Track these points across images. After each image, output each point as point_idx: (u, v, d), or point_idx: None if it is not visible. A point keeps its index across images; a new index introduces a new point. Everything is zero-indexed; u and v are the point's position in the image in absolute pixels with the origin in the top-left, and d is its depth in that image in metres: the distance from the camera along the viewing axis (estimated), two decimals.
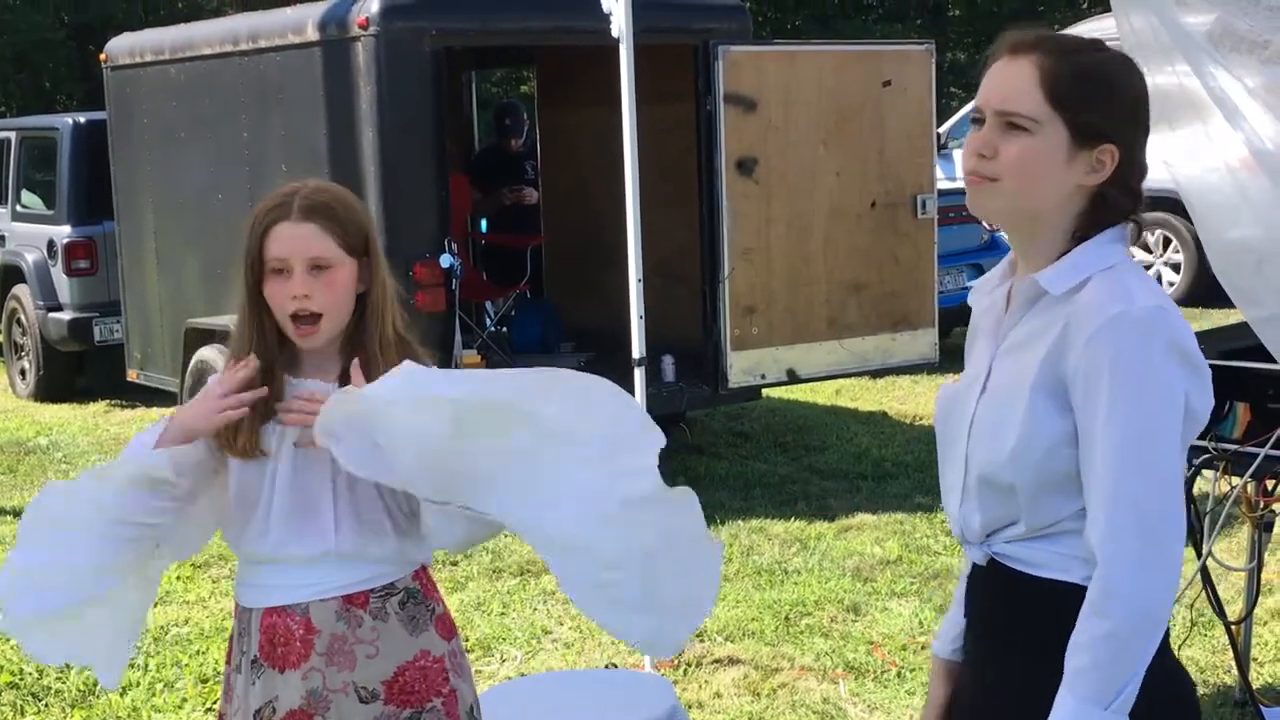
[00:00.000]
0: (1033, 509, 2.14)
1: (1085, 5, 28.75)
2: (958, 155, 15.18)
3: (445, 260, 7.32)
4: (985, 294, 2.30)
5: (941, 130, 14.87)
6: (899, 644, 5.55)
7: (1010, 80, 2.15)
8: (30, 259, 11.16)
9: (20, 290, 11.31)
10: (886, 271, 8.21)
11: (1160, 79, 4.78)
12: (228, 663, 2.85)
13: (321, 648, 2.70)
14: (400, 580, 2.76)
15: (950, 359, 10.69)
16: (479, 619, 6.02)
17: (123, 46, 9.49)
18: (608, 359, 8.79)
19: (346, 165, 7.42)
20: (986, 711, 2.26)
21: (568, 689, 3.92)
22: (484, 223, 10.56)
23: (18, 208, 11.73)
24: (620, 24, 5.24)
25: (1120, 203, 2.16)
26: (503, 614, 6.10)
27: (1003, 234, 11.94)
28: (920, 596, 6.11)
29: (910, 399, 10.12)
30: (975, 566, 2.27)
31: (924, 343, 8.43)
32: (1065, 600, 2.10)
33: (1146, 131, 2.18)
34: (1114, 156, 2.13)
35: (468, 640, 5.79)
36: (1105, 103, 2.12)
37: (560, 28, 7.87)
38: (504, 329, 9.73)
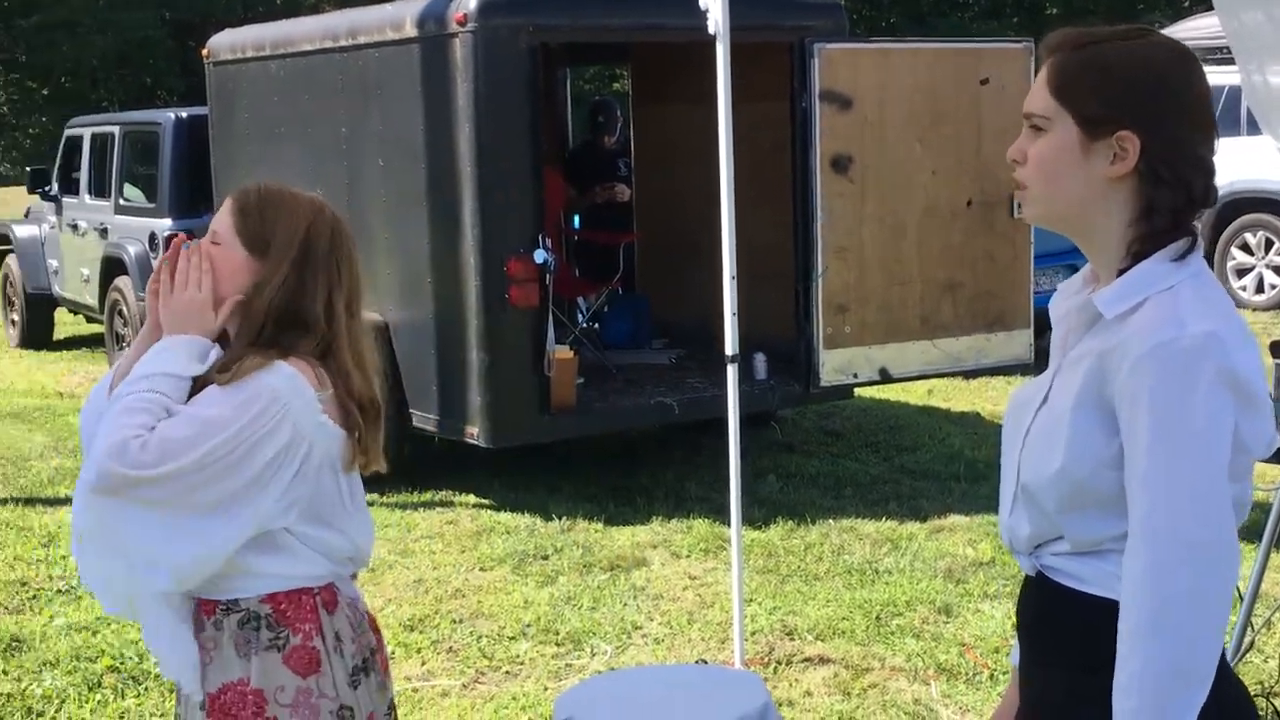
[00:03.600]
0: (1072, 527, 2.12)
1: (1187, 3, 28.31)
2: None
3: (539, 256, 7.35)
4: (1064, 300, 2.25)
5: None
6: (991, 646, 5.50)
7: (1034, 84, 2.16)
8: (132, 251, 11.35)
9: (122, 282, 11.50)
10: (981, 271, 8.14)
11: (1274, 78, 4.71)
12: None
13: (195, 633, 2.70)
14: (251, 602, 2.65)
15: (1046, 359, 10.59)
16: (569, 613, 6.05)
17: (224, 43, 9.62)
18: (699, 356, 8.80)
19: (442, 160, 7.48)
20: None
21: (660, 683, 3.92)
22: (577, 219, 10.59)
23: (120, 201, 11.93)
24: (717, 21, 5.23)
25: (1171, 204, 2.07)
26: (593, 609, 6.12)
27: None
28: (1013, 599, 6.05)
29: (1004, 400, 10.02)
30: (1026, 577, 2.26)
31: (1019, 343, 8.35)
32: (1108, 617, 2.07)
33: (1182, 112, 2.07)
34: (1135, 141, 2.05)
35: (558, 634, 5.82)
36: (1107, 87, 2.07)
37: (656, 24, 7.88)
38: (596, 325, 9.76)
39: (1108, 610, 2.07)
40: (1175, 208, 2.07)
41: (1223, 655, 2.13)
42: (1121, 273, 2.10)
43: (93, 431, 2.59)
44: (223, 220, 2.71)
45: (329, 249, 2.71)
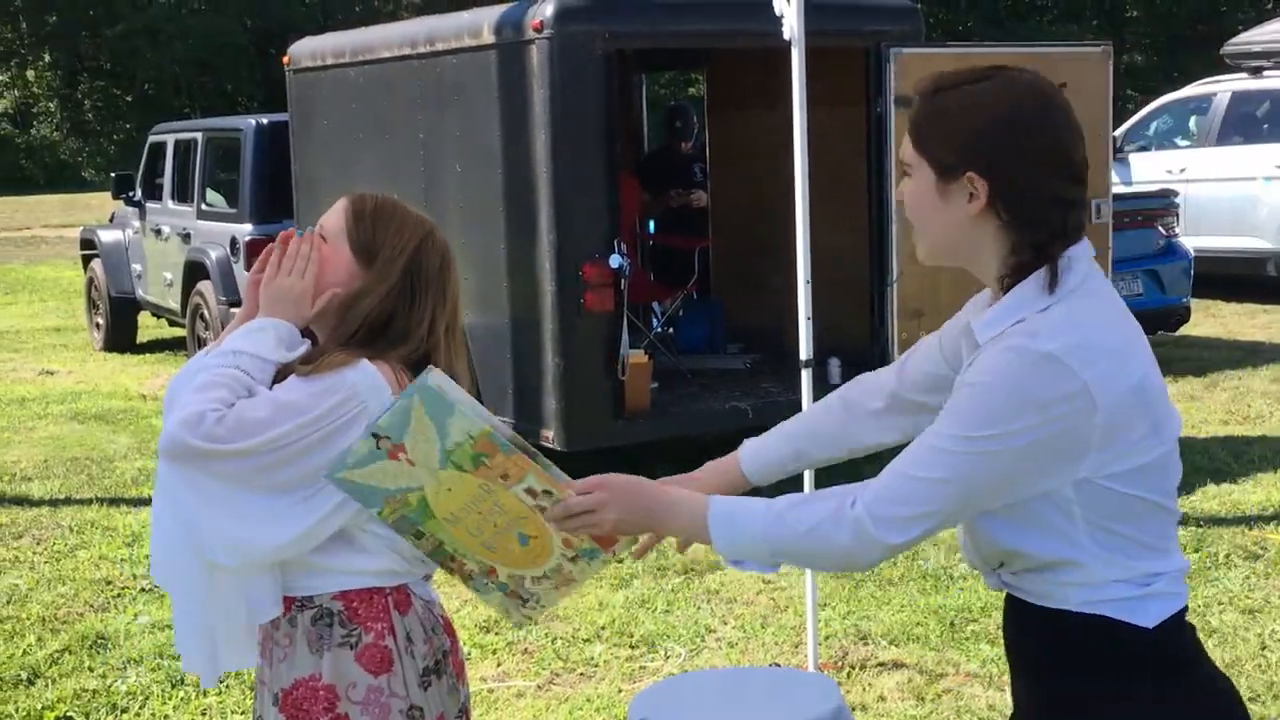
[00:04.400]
0: (1009, 545, 2.19)
1: (1271, 4, 27.93)
2: (1134, 159, 14.89)
3: (614, 260, 7.39)
4: (969, 314, 2.37)
5: (1117, 134, 14.61)
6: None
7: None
8: (214, 256, 11.50)
9: (204, 286, 11.66)
10: None
11: None
12: None
13: (259, 636, 2.75)
14: (325, 599, 2.69)
15: None
16: (643, 616, 6.08)
17: (305, 50, 9.75)
18: (773, 361, 8.81)
19: (519, 166, 7.54)
20: None
21: (734, 685, 3.94)
22: (652, 223, 10.63)
23: (203, 206, 12.10)
24: (792, 26, 5.25)
25: (1032, 240, 2.14)
26: (667, 611, 6.15)
27: (1180, 239, 11.68)
28: None
29: None
30: (1006, 597, 2.34)
31: None
32: (1060, 626, 2.17)
33: (1027, 152, 2.14)
34: (982, 183, 2.14)
35: (632, 636, 5.85)
36: (948, 135, 2.17)
37: (732, 30, 7.90)
38: (670, 330, 9.78)
39: (1056, 619, 2.18)
40: (1037, 243, 2.15)
41: (1202, 649, 2.28)
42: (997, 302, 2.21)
43: (174, 397, 2.63)
44: (333, 220, 2.76)
45: (438, 269, 2.77)
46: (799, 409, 5.48)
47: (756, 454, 2.67)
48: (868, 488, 2.17)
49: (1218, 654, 5.46)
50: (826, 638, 5.71)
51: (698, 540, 2.28)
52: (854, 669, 5.44)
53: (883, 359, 7.81)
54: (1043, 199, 2.14)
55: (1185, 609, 2.21)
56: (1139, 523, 2.14)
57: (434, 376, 2.39)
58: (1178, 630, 2.20)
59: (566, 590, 2.61)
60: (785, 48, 5.30)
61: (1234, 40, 15.41)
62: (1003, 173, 2.13)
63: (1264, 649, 5.53)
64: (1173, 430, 2.18)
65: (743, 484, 2.64)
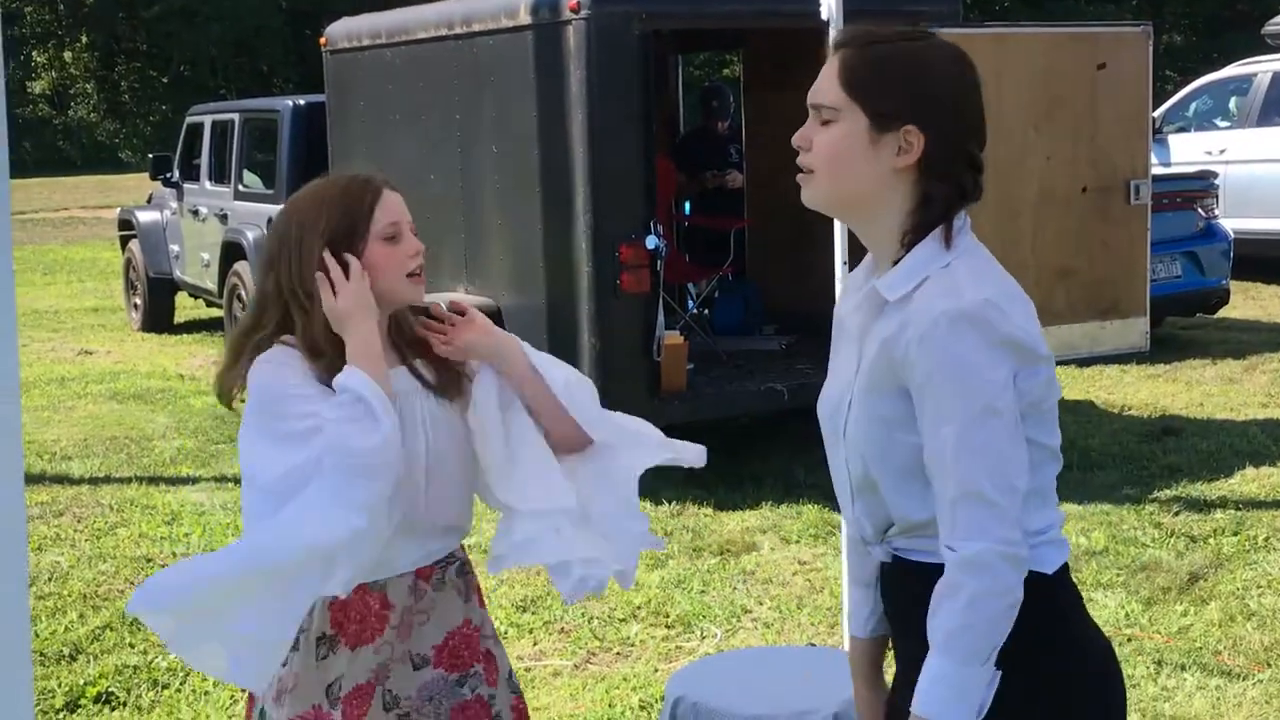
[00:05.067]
0: (896, 507, 2.24)
1: None
2: (1173, 140, 14.79)
3: (650, 241, 7.39)
4: (852, 294, 2.35)
5: (1156, 115, 14.51)
6: None
7: (821, 75, 2.27)
8: (251, 236, 11.55)
9: (241, 267, 11.71)
10: (1096, 258, 8.04)
11: None
12: None
13: (395, 621, 2.77)
14: (457, 550, 2.90)
15: (1161, 348, 10.45)
16: (679, 596, 6.09)
17: (341, 31, 9.77)
18: (809, 342, 8.80)
19: (555, 147, 7.54)
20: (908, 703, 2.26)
21: (771, 665, 3.95)
22: (688, 204, 10.62)
23: (240, 187, 12.15)
24: (830, 6, 5.23)
25: (945, 196, 2.21)
26: (703, 592, 6.16)
27: (1220, 220, 11.60)
28: (1127, 589, 6.01)
29: (1118, 388, 9.91)
30: (883, 565, 2.35)
31: (1135, 331, 8.24)
32: None
33: (960, 117, 2.24)
34: (920, 137, 2.19)
35: (668, 616, 5.87)
36: (897, 87, 2.20)
37: (769, 10, 7.87)
38: (706, 311, 9.78)
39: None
40: (948, 200, 2.22)
41: (1086, 612, 2.33)
42: (897, 261, 2.23)
43: None
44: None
45: None
46: None
47: (858, 618, 2.55)
48: (952, 538, 2.14)
49: (1256, 637, 5.45)
50: None
51: None
52: (889, 649, 5.43)
53: None
54: (963, 160, 2.24)
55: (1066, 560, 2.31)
56: (1039, 472, 2.23)
57: None
58: (1066, 578, 2.30)
59: None
60: (823, 28, 5.28)
61: (1275, 20, 15.27)
62: (939, 130, 2.20)
63: None
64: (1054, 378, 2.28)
65: (872, 645, 2.55)
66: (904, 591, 2.31)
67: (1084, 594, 5.94)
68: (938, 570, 2.18)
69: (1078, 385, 10.01)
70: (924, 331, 2.13)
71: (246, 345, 2.75)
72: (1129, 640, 5.43)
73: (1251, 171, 13.93)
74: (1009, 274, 2.26)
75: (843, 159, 2.23)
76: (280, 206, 10.83)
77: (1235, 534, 6.63)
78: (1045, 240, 7.89)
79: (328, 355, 2.68)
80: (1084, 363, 9.33)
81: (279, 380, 2.65)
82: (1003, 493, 2.12)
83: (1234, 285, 12.04)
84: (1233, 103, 14.98)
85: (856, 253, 5.64)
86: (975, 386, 2.12)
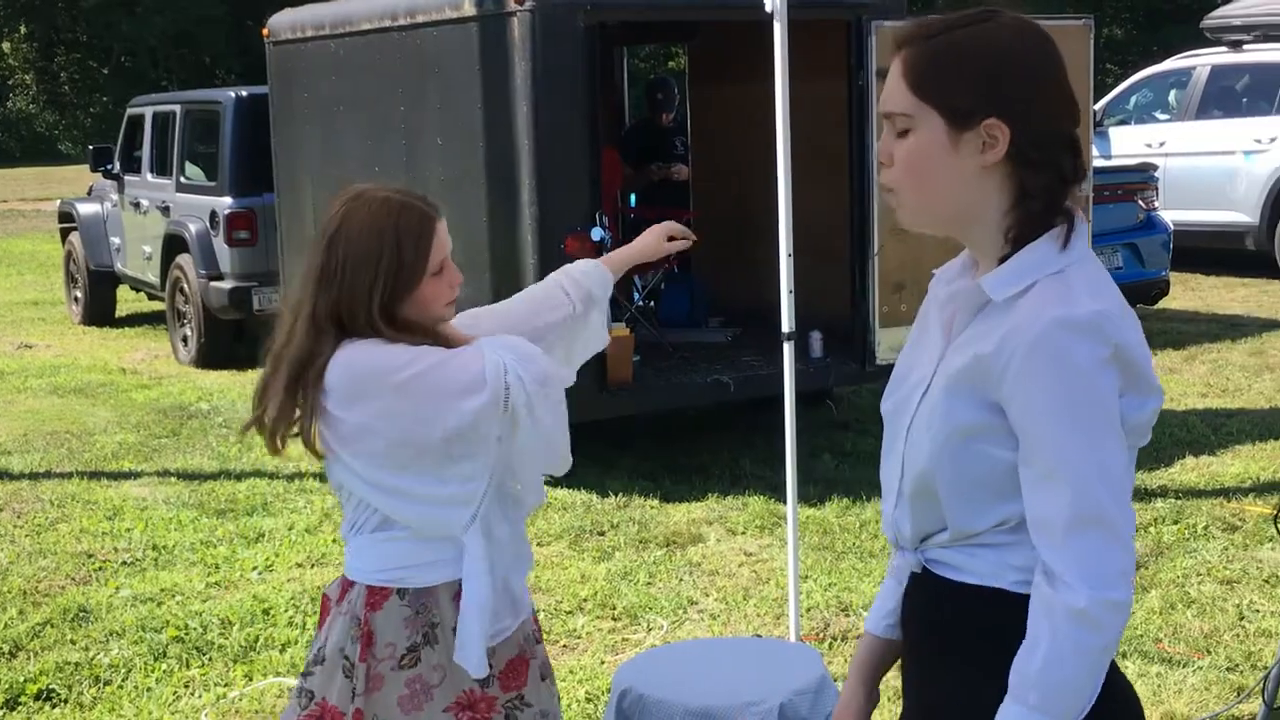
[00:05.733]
0: (955, 516, 2.08)
1: None
2: (1114, 133, 14.91)
3: (596, 233, 7.38)
4: (945, 284, 2.19)
5: (1097, 107, 14.63)
6: None
7: (888, 81, 2.08)
8: (193, 229, 11.46)
9: (183, 259, 11.62)
10: None
11: None
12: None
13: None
14: None
15: None
16: (625, 588, 6.10)
17: (284, 22, 9.70)
18: (755, 334, 8.82)
19: (500, 139, 7.52)
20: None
21: (717, 656, 3.96)
22: (634, 197, 10.62)
23: (181, 179, 12.05)
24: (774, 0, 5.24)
25: (1046, 185, 2.03)
26: (649, 584, 6.17)
27: (1160, 213, 11.71)
28: None
29: None
30: (912, 575, 2.20)
31: None
32: (995, 605, 2.05)
33: (1044, 98, 2.03)
34: (1003, 129, 2.00)
35: (614, 608, 5.87)
36: (964, 78, 2.01)
37: (714, 3, 7.89)
38: (652, 303, 9.78)
39: (992, 599, 2.06)
40: (1049, 189, 2.04)
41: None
42: (1004, 259, 2.06)
43: None
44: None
45: None
46: (780, 382, 5.49)
47: (878, 613, 2.36)
48: (1064, 571, 1.94)
49: (1196, 624, 5.51)
50: (808, 609, 5.74)
51: None
52: (835, 640, 5.47)
53: (864, 332, 7.84)
54: (1056, 141, 2.03)
55: None
56: None
57: None
58: None
59: None
60: (767, 20, 5.29)
61: (1214, 14, 15.42)
62: (1022, 115, 2.00)
63: (1242, 619, 5.57)
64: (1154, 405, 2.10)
65: (883, 647, 2.35)
66: (931, 611, 2.15)
67: None
68: (968, 592, 2.07)
69: None
70: (1033, 339, 1.95)
71: (308, 376, 2.77)
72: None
73: (1190, 164, 14.07)
74: (1114, 287, 2.06)
75: (924, 170, 2.04)
76: (223, 199, 10.63)
77: (1175, 523, 6.70)
78: None
79: None
80: None
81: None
82: (1124, 512, 1.96)
83: (1173, 276, 12.16)
84: (1172, 96, 15.11)
85: (801, 245, 5.66)
86: (1092, 400, 1.95)
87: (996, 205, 2.06)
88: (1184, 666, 5.13)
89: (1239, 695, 4.84)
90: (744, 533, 6.84)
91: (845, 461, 8.06)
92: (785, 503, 5.69)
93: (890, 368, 7.88)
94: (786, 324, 5.34)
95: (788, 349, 5.37)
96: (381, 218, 2.79)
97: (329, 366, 2.75)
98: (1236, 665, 5.14)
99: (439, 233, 2.84)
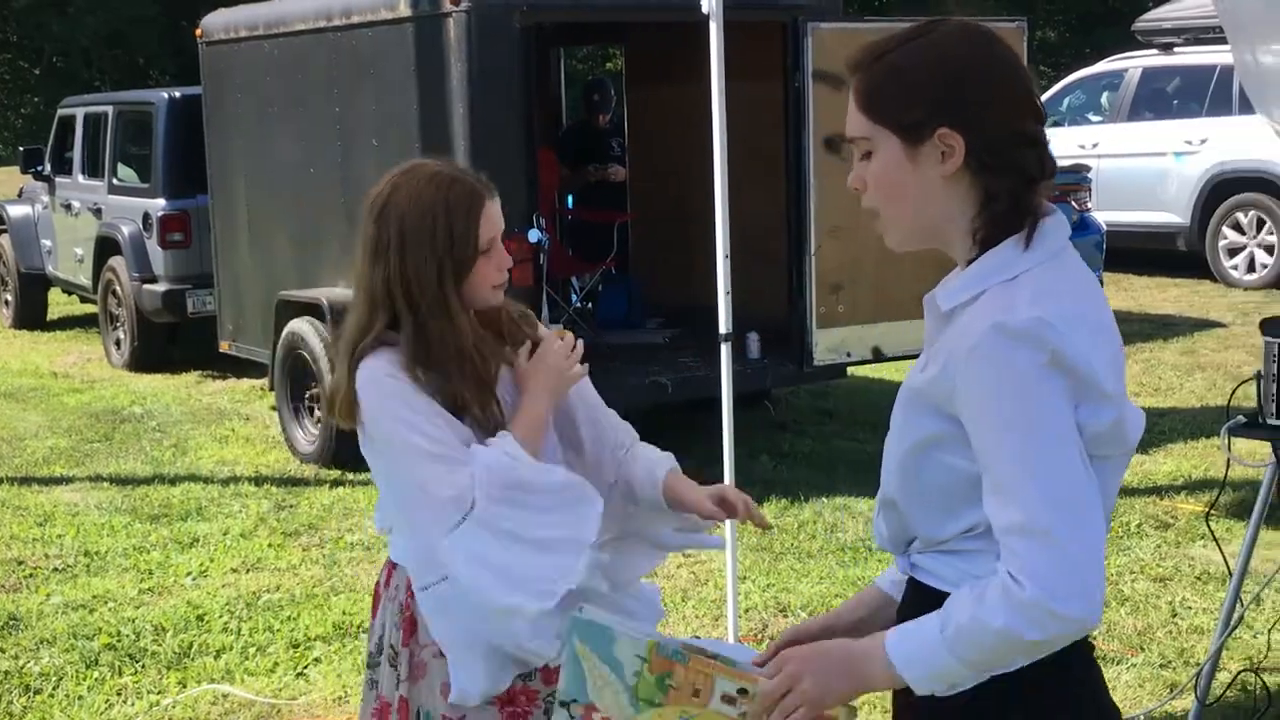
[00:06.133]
0: (918, 523, 2.11)
1: None
2: (1047, 134, 15.02)
3: (533, 235, 7.37)
4: (930, 304, 2.19)
5: None
6: None
7: (849, 107, 2.11)
8: (126, 231, 11.34)
9: (116, 262, 11.50)
10: None
11: (1266, 58, 4.73)
12: None
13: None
14: None
15: None
16: None
17: (218, 22, 9.61)
18: (693, 335, 8.82)
19: (436, 140, 7.48)
20: None
21: None
22: (571, 198, 10.60)
23: (114, 181, 11.92)
24: (710, 1, 5.24)
25: (1010, 187, 2.03)
26: None
27: (1093, 214, 11.82)
28: None
29: None
30: (908, 581, 2.21)
31: None
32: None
33: (992, 94, 2.03)
34: (957, 137, 2.01)
35: None
36: (909, 93, 2.03)
37: (650, 4, 7.89)
38: (589, 304, 9.77)
39: None
40: (1013, 191, 2.04)
41: (1086, 654, 2.12)
42: (970, 263, 2.07)
43: None
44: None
45: None
46: (718, 384, 5.50)
47: (886, 575, 2.38)
48: (1015, 569, 1.92)
49: (1130, 622, 5.56)
50: (746, 610, 5.74)
51: (901, 685, 2.02)
52: (774, 640, 5.46)
53: (801, 333, 7.86)
54: (1014, 141, 2.04)
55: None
56: None
57: (586, 610, 2.31)
58: (1080, 650, 2.12)
59: None
60: (703, 22, 5.29)
61: (1145, 16, 15.59)
62: (975, 121, 2.01)
63: (1175, 616, 5.63)
64: (1134, 428, 2.08)
65: (884, 600, 2.34)
66: (909, 612, 2.13)
67: None
68: (941, 598, 2.05)
69: None
70: (971, 347, 1.96)
71: (360, 349, 2.74)
72: None
73: (1123, 165, 14.21)
74: (1091, 299, 2.06)
75: (891, 188, 2.07)
76: (156, 200, 10.49)
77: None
78: None
79: (434, 370, 2.72)
80: None
81: (408, 391, 2.70)
82: (1074, 525, 1.92)
83: (1106, 277, 12.28)
84: (1105, 98, 15.26)
85: (738, 246, 5.66)
86: (1032, 408, 1.93)
87: (964, 212, 2.07)
88: (1118, 664, 5.17)
89: (1172, 692, 4.89)
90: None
91: (783, 462, 8.08)
92: None
93: (827, 369, 7.90)
94: (724, 325, 5.34)
95: (725, 350, 5.37)
96: (427, 188, 2.75)
97: (359, 369, 2.73)
98: (1169, 662, 5.19)
99: (488, 211, 2.78)
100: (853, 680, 2.06)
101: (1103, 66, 15.54)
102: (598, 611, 2.32)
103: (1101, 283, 11.84)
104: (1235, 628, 4.80)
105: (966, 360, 1.97)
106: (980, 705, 2.03)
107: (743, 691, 2.17)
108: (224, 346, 9.92)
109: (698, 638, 2.28)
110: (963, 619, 1.96)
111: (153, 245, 11.14)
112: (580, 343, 2.92)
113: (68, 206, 12.67)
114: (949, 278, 2.10)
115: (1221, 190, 13.64)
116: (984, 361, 1.95)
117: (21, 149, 14.19)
